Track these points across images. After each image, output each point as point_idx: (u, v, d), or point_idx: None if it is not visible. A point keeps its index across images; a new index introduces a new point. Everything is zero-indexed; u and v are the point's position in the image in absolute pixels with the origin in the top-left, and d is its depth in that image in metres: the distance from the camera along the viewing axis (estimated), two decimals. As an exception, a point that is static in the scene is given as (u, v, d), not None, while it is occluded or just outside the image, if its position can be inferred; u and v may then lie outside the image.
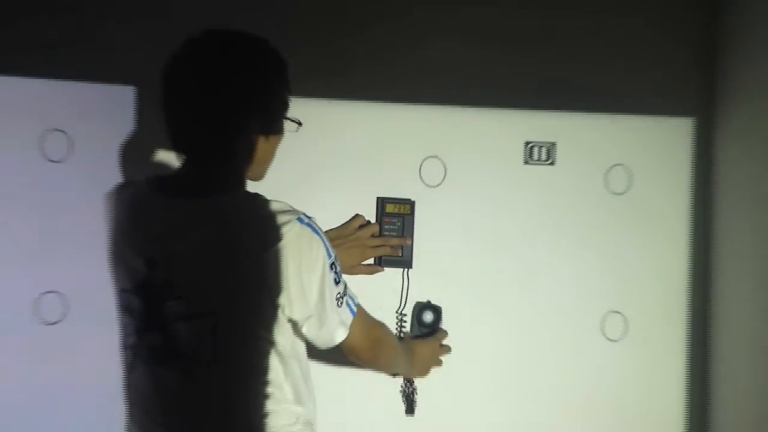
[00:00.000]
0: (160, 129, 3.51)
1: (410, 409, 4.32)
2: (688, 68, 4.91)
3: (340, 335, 3.52)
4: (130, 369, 3.49)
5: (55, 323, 4.47)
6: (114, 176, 4.24)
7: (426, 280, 4.47)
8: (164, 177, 3.58)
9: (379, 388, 4.44)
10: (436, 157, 4.69)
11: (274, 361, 3.42)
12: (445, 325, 4.40)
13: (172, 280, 3.36)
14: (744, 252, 4.69)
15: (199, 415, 3.41)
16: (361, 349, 3.67)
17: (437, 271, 4.57)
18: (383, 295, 4.34)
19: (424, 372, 4.27)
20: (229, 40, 3.49)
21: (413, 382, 4.34)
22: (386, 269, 4.35)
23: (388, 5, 4.75)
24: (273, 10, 4.46)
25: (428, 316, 4.26)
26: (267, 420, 3.42)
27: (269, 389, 3.42)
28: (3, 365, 4.45)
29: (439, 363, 4.28)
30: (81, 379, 4.34)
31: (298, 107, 3.70)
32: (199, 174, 3.46)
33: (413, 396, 4.32)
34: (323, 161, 4.59)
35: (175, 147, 3.50)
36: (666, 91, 4.88)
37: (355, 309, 3.57)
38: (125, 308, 3.48)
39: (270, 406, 3.43)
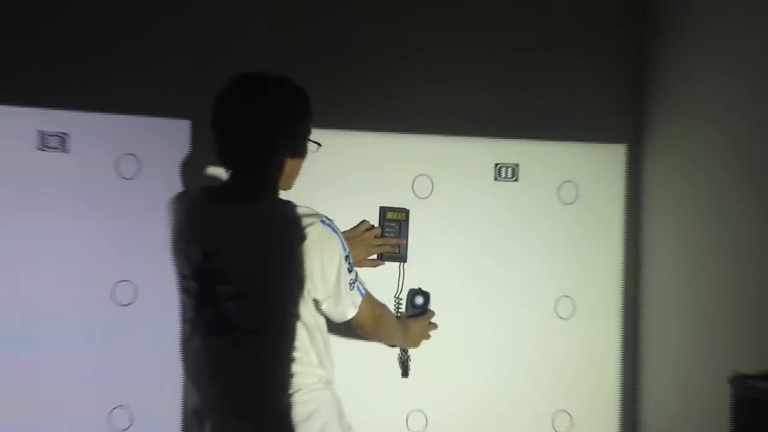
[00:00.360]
0: (209, 151, 3.81)
1: (405, 372, 4.38)
2: (622, 102, 5.22)
3: (351, 312, 3.77)
4: (189, 339, 3.73)
5: (127, 305, 4.73)
6: (173, 190, 4.19)
7: (418, 271, 4.64)
8: (214, 187, 3.84)
9: (380, 356, 4.57)
10: (425, 175, 5.00)
11: (301, 332, 3.67)
12: (432, 306, 4.54)
13: (222, 269, 3.63)
14: (665, 249, 5.08)
15: (243, 373, 3.64)
16: (367, 323, 3.88)
17: (427, 264, 4.79)
18: (384, 283, 4.44)
19: (416, 344, 4.39)
20: (263, 81, 3.76)
21: (407, 351, 4.43)
22: (386, 263, 4.48)
23: (387, 54, 5.00)
24: (301, 60, 4.62)
25: (419, 300, 4.30)
26: (295, 379, 3.64)
27: (298, 354, 3.65)
28: (88, 336, 4.67)
29: (427, 337, 4.41)
30: (147, 348, 4.52)
31: (316, 135, 3.95)
32: (241, 185, 3.73)
33: (408, 362, 4.38)
34: (337, 177, 4.84)
35: (222, 164, 3.76)
36: (605, 122, 5.19)
37: (363, 292, 3.82)
38: (185, 290, 3.74)
39: (298, 368, 3.65)
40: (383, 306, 4.08)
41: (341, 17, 5.02)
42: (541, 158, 5.12)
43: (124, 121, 4.76)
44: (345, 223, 4.54)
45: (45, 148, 4.70)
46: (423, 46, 5.07)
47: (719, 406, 3.37)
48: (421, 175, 5.02)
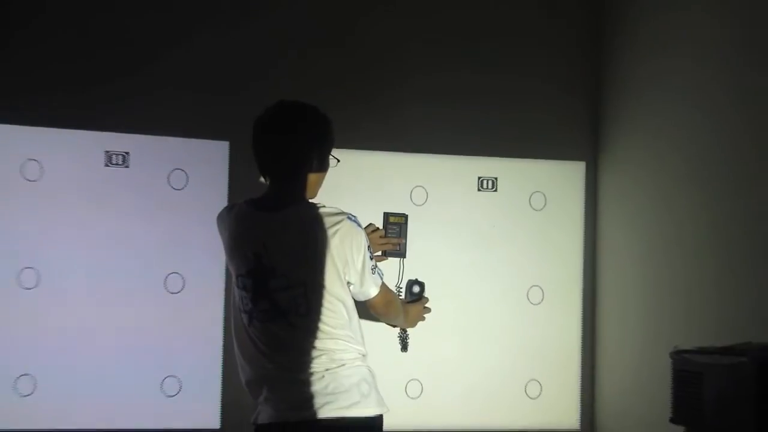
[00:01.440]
0: (242, 166, 3.97)
1: (404, 348, 4.32)
2: (582, 127, 5.21)
3: (374, 291, 3.70)
4: (248, 325, 3.64)
5: (177, 293, 4.68)
6: (214, 198, 4.48)
7: (415, 265, 4.48)
8: (256, 198, 3.77)
9: (383, 335, 4.38)
10: (421, 186, 5.00)
11: (342, 312, 3.62)
12: (426, 294, 4.37)
13: (273, 266, 3.59)
14: (618, 246, 5.08)
15: (297, 351, 3.57)
16: (380, 304, 3.80)
17: (422, 260, 4.69)
18: (387, 275, 4.04)
19: (413, 324, 4.29)
20: (296, 109, 3.73)
21: (406, 330, 4.35)
22: (389, 258, 4.34)
23: (387, 83, 4.96)
24: (319, 87, 4.51)
25: (416, 288, 4.29)
26: (339, 354, 3.58)
27: (341, 332, 3.59)
28: (146, 318, 4.65)
29: (423, 319, 4.31)
30: (192, 328, 4.49)
31: (350, 158, 3.90)
32: (279, 194, 3.67)
33: (406, 339, 4.33)
34: (348, 188, 4.79)
35: (263, 175, 3.73)
36: (568, 143, 5.18)
37: (382, 276, 3.79)
38: (242, 287, 3.67)
39: (341, 345, 3.58)
40: (393, 293, 4.01)
41: (351, 55, 4.99)
42: (516, 173, 5.16)
43: (174, 141, 4.77)
44: (362, 214, 4.40)
45: (110, 165, 4.69)
46: (415, 79, 5.05)
47: (664, 376, 3.34)
48: (418, 186, 5.03)
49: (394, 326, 4.27)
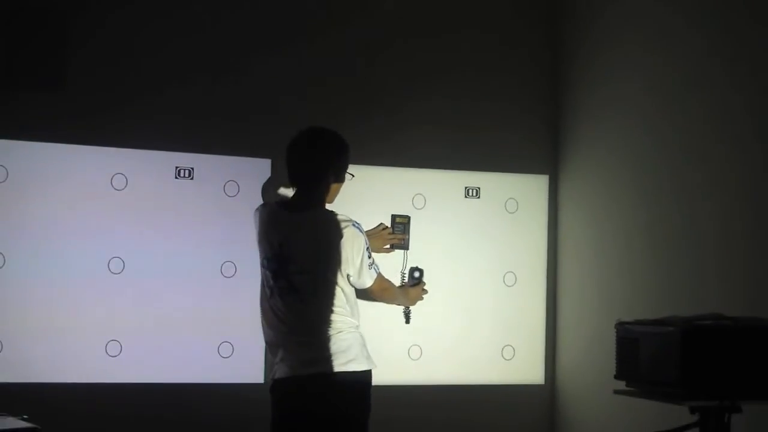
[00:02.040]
0: (281, 179, 3.86)
1: (407, 321, 4.30)
2: (545, 146, 5.25)
3: (368, 282, 3.77)
4: (270, 297, 3.71)
5: (230, 277, 4.73)
6: (259, 204, 4.05)
7: (416, 255, 4.34)
8: (284, 201, 3.88)
9: (392, 311, 4.30)
10: (420, 194, 5.05)
11: (340, 294, 3.69)
12: (424, 278, 4.17)
13: (291, 254, 3.68)
14: (574, 241, 5.12)
15: (307, 320, 3.66)
16: (375, 291, 3.87)
17: (422, 251, 4.58)
18: (394, 263, 4.23)
19: (413, 302, 4.20)
20: (320, 133, 3.81)
21: (409, 307, 4.37)
22: (395, 250, 4.25)
23: (392, 110, 5.01)
24: (340, 119, 4.30)
25: (416, 274, 4.19)
26: (337, 324, 3.65)
27: (339, 309, 3.67)
28: (205, 297, 4.70)
29: (422, 299, 4.21)
30: (243, 304, 4.42)
31: (363, 172, 3.89)
32: (302, 199, 3.77)
33: (409, 314, 4.30)
34: (362, 196, 4.78)
35: (291, 185, 3.83)
36: (534, 159, 5.23)
37: (377, 272, 3.84)
38: (267, 267, 3.75)
39: (339, 317, 3.66)
40: (389, 282, 4.01)
41: (363, 89, 5.03)
42: (494, 183, 5.18)
43: (229, 159, 4.81)
44: (368, 225, 4.32)
45: (179, 177, 4.73)
46: (413, 108, 5.08)
47: (609, 342, 3.31)
48: (418, 194, 5.07)
49: (399, 304, 4.28)
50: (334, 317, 3.71)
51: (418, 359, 5.00)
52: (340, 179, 3.88)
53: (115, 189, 4.62)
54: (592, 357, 4.81)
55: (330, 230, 3.73)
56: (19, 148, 4.52)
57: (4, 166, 4.50)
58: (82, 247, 4.57)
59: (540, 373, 5.19)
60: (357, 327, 3.81)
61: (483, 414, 5.07)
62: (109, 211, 4.61)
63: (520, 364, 5.14)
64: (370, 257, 3.81)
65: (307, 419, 3.72)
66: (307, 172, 3.79)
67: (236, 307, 4.55)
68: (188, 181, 4.73)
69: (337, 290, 3.72)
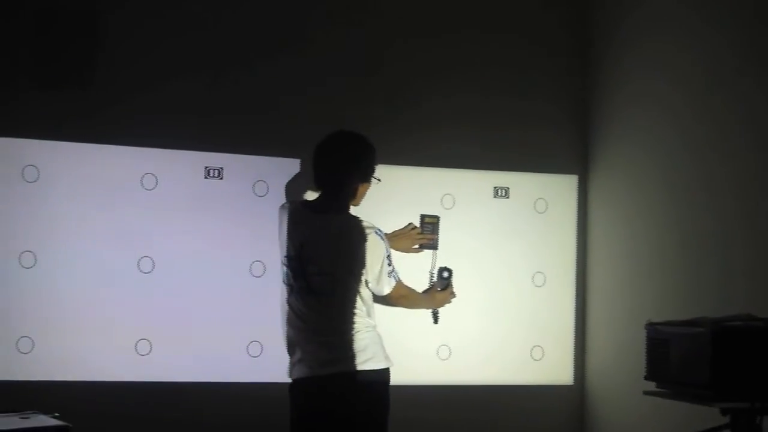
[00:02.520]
0: (308, 179, 3.94)
1: (436, 321, 4.31)
2: (574, 146, 5.24)
3: (386, 290, 3.85)
4: (289, 296, 3.82)
5: (259, 277, 4.73)
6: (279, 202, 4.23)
7: (445, 256, 4.39)
8: (309, 201, 3.99)
9: (419, 314, 4.31)
10: (449, 194, 5.03)
11: (358, 298, 3.77)
12: (454, 278, 4.23)
13: (312, 255, 3.76)
14: (604, 241, 5.11)
15: (325, 320, 3.75)
16: (393, 298, 3.92)
17: (451, 251, 4.57)
18: (422, 263, 4.32)
19: (440, 306, 4.26)
20: (347, 137, 3.89)
21: (437, 309, 4.27)
22: (424, 251, 4.33)
23: (423, 112, 5.00)
24: (371, 120, 4.52)
25: (445, 274, 4.21)
26: (355, 324, 3.74)
27: (356, 310, 3.75)
28: (234, 296, 4.71)
29: (449, 302, 4.27)
30: (271, 304, 4.11)
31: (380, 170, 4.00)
32: (327, 202, 3.84)
33: (437, 314, 4.29)
34: (393, 195, 4.81)
35: (316, 187, 3.89)
36: (564, 159, 5.22)
37: (396, 280, 3.89)
38: (287, 265, 3.84)
39: (357, 318, 3.75)
40: (408, 289, 4.06)
41: (397, 91, 5.03)
42: (523, 183, 5.16)
43: (258, 159, 4.80)
44: (396, 225, 4.42)
45: (209, 177, 4.73)
46: (444, 109, 5.07)
47: (639, 342, 3.35)
48: (447, 194, 5.05)
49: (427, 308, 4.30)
50: (351, 318, 3.76)
51: (446, 359, 4.98)
52: (367, 182, 3.93)
53: (145, 189, 4.63)
54: (622, 357, 4.79)
55: (352, 235, 3.78)
56: (50, 148, 4.54)
57: (35, 166, 4.51)
58: (112, 246, 4.57)
59: (569, 373, 5.17)
60: (374, 327, 3.87)
61: (512, 415, 5.05)
62: (139, 211, 4.61)
63: (549, 364, 5.12)
64: (390, 265, 3.86)
65: (327, 419, 3.77)
66: (333, 175, 3.85)
67: (265, 306, 4.48)
68: (218, 180, 4.73)
69: (355, 293, 3.78)
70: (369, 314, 3.85)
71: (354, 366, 3.73)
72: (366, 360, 3.76)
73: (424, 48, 5.07)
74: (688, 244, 4.37)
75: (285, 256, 3.87)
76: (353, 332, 3.75)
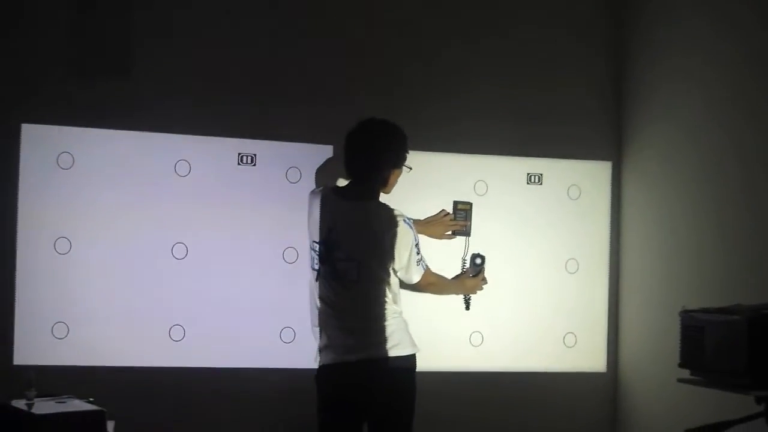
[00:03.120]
0: (339, 164, 3.99)
1: (467, 307, 4.32)
2: (609, 132, 5.20)
3: (415, 278, 3.94)
4: (316, 280, 3.88)
5: (292, 263, 4.71)
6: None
7: (478, 242, 4.53)
8: (339, 187, 4.00)
9: (451, 301, 4.52)
10: (482, 180, 5.01)
11: (384, 285, 3.83)
12: (486, 264, 4.35)
13: (339, 240, 3.81)
14: (637, 227, 5.08)
15: (349, 305, 3.81)
16: (421, 286, 4.02)
17: (484, 238, 4.72)
18: (455, 249, 4.44)
19: (471, 292, 4.37)
20: (379, 124, 3.92)
21: (469, 296, 4.39)
22: (457, 237, 4.44)
23: (457, 99, 4.99)
24: (405, 108, 4.63)
25: (477, 260, 4.24)
26: (382, 311, 3.80)
27: (382, 297, 3.82)
28: (268, 282, 4.71)
29: (481, 288, 4.37)
30: (305, 291, 4.10)
31: (416, 156, 4.07)
32: (358, 189, 3.89)
33: (469, 301, 4.31)
34: (427, 181, 4.83)
35: (348, 175, 3.94)
36: (598, 146, 5.19)
37: (425, 268, 3.97)
38: (315, 249, 3.89)
39: (383, 306, 3.82)
40: (436, 276, 4.16)
41: (430, 79, 5.01)
42: (557, 170, 5.14)
43: (291, 146, 4.80)
44: (431, 211, 4.55)
45: (242, 164, 4.74)
46: (478, 95, 5.06)
47: (673, 330, 3.31)
48: (480, 180, 5.03)
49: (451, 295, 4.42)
50: (376, 304, 3.83)
51: (479, 346, 4.97)
52: (398, 170, 3.97)
53: (179, 175, 4.65)
54: (656, 345, 4.78)
55: (381, 223, 3.84)
56: (84, 135, 4.56)
57: (70, 153, 4.54)
58: (146, 232, 4.60)
59: (602, 360, 5.15)
60: (400, 313, 3.92)
61: (544, 401, 5.06)
62: (173, 197, 4.64)
63: (582, 351, 5.11)
64: (418, 253, 3.93)
65: (354, 405, 3.83)
66: (365, 162, 3.89)
67: (298, 292, 4.45)
68: (251, 167, 4.73)
69: (381, 280, 3.84)
70: (395, 301, 3.90)
71: (380, 352, 3.79)
72: (393, 346, 3.81)
73: (459, 37, 5.06)
74: (724, 230, 4.35)
75: (313, 241, 3.91)
76: (379, 319, 3.79)
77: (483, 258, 4.35)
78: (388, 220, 3.84)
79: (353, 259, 3.79)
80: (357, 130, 3.91)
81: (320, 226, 3.88)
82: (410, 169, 4.03)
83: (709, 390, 3.11)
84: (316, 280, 3.89)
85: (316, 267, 3.89)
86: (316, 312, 3.93)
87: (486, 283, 4.38)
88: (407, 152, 3.99)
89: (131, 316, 4.58)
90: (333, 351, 3.83)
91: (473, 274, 4.36)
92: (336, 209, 3.85)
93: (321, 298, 3.88)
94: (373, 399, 3.81)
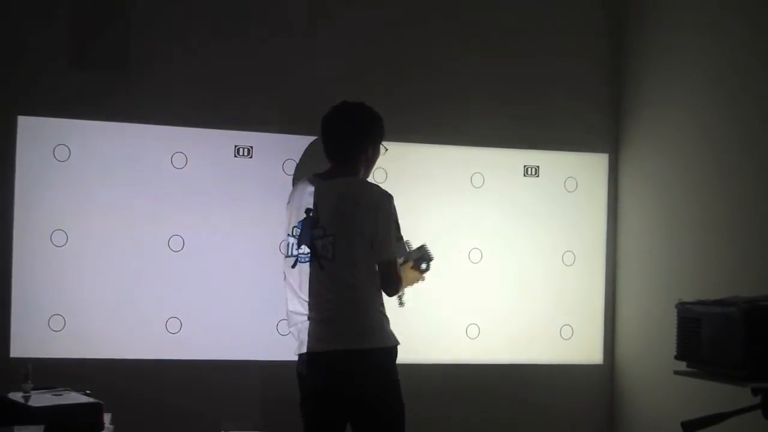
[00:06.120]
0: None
1: (401, 304, 3.98)
2: (606, 126, 5.19)
3: (385, 256, 3.78)
4: (293, 265, 3.84)
5: (289, 256, 4.48)
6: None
7: (475, 233, 4.61)
8: (319, 173, 3.95)
9: (449, 291, 4.61)
10: (479, 173, 5.00)
11: (362, 267, 3.72)
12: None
13: (317, 218, 3.78)
14: (633, 219, 5.08)
15: (327, 285, 3.72)
16: (388, 268, 3.79)
17: (481, 229, 4.81)
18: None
19: (410, 284, 4.06)
20: (352, 105, 3.96)
21: (403, 292, 4.01)
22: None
23: (452, 91, 4.97)
24: (400, 100, 4.69)
25: (424, 265, 4.12)
26: (363, 300, 3.72)
27: (363, 284, 3.71)
28: (261, 273, 4.65)
29: (416, 282, 4.15)
30: None
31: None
32: (335, 169, 3.89)
33: (402, 297, 3.97)
34: (420, 174, 4.85)
35: (328, 158, 3.94)
36: (595, 138, 5.18)
37: (400, 256, 3.91)
38: (292, 234, 3.87)
39: (363, 294, 3.71)
40: (401, 272, 3.96)
41: (425, 72, 4.99)
42: (554, 162, 5.13)
43: (287, 138, 4.79)
44: (428, 203, 4.63)
45: (238, 156, 4.74)
46: (473, 88, 5.04)
47: (670, 322, 3.34)
48: (476, 172, 5.02)
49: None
50: (356, 291, 3.73)
51: (475, 338, 4.97)
52: (375, 151, 3.99)
53: (176, 168, 4.64)
54: (652, 337, 4.78)
55: (359, 196, 3.79)
56: (81, 127, 4.56)
57: (66, 146, 4.54)
58: (143, 225, 4.60)
59: (599, 352, 5.15)
60: (382, 304, 3.82)
61: (541, 393, 5.05)
62: (170, 190, 4.63)
63: (578, 343, 5.11)
64: (398, 231, 3.83)
65: (334, 397, 3.74)
66: (341, 144, 3.90)
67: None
68: (247, 159, 4.73)
69: (359, 260, 3.74)
70: (376, 291, 3.81)
71: (363, 343, 3.70)
72: (373, 337, 3.73)
73: (454, 26, 5.04)
74: (721, 222, 4.35)
75: (292, 227, 3.89)
76: (360, 307, 3.72)
77: (430, 263, 4.19)
78: (367, 192, 3.81)
79: (330, 234, 3.74)
80: (331, 114, 3.94)
81: (299, 207, 3.86)
82: (386, 149, 4.05)
83: (706, 382, 3.10)
84: (292, 268, 3.85)
85: (293, 253, 3.85)
86: (292, 303, 3.88)
87: (423, 280, 4.22)
88: (382, 132, 4.01)
89: (128, 309, 4.57)
90: (311, 340, 3.77)
91: (415, 265, 4.17)
92: (316, 190, 3.84)
93: (299, 279, 3.81)
94: (352, 392, 3.73)
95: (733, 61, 4.32)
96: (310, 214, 3.80)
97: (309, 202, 3.82)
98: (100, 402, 3.29)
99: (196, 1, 4.75)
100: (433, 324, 4.83)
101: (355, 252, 3.73)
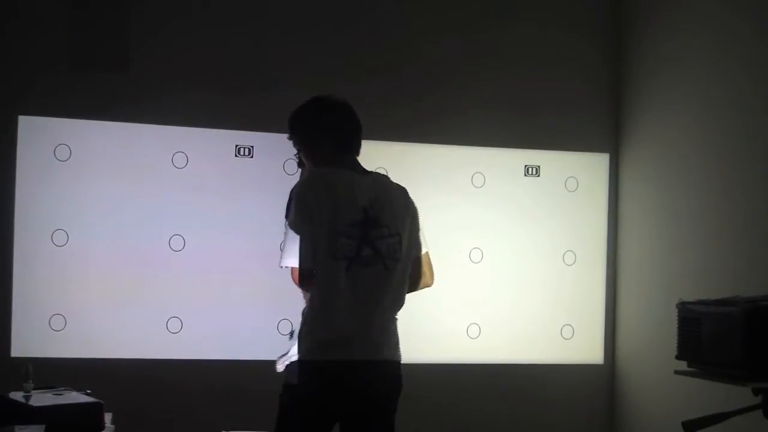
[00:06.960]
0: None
1: (292, 337, 3.64)
2: (606, 126, 5.20)
3: (421, 250, 3.42)
4: (347, 269, 3.25)
5: None
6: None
7: (475, 234, 4.64)
8: (338, 166, 3.41)
9: (450, 290, 4.55)
10: (480, 172, 5.01)
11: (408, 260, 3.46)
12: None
13: (377, 217, 3.28)
14: (634, 219, 5.09)
15: (389, 288, 3.28)
16: (422, 265, 3.44)
17: (482, 229, 4.83)
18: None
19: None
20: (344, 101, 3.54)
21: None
22: None
23: (454, 93, 4.98)
24: (404, 102, 4.72)
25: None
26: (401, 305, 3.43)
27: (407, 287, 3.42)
28: (263, 273, 4.61)
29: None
30: None
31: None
32: (356, 163, 3.42)
33: (294, 332, 3.53)
34: (422, 174, 4.84)
35: (340, 150, 3.43)
36: (595, 138, 5.19)
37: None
38: (347, 235, 3.27)
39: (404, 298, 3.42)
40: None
41: (428, 75, 4.99)
42: (554, 162, 5.15)
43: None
44: (429, 204, 4.35)
45: (239, 156, 4.75)
46: (475, 90, 5.04)
47: (670, 322, 3.31)
48: (477, 172, 5.03)
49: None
50: (404, 297, 3.42)
51: (476, 338, 4.98)
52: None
53: (176, 167, 4.66)
54: (653, 336, 4.79)
55: (400, 192, 3.47)
56: (82, 127, 4.57)
57: (67, 145, 4.56)
58: (144, 224, 4.62)
59: (599, 352, 5.17)
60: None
61: (542, 393, 5.06)
62: (170, 189, 4.65)
63: (579, 343, 5.12)
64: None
65: (381, 407, 3.41)
66: (360, 136, 3.46)
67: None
68: (248, 159, 4.75)
69: (408, 260, 3.42)
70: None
71: (399, 355, 3.40)
72: (398, 349, 3.43)
73: (456, 29, 5.05)
74: (721, 222, 4.36)
75: (346, 225, 3.30)
76: (395, 313, 3.41)
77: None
78: (404, 190, 3.49)
79: (395, 233, 3.36)
80: (337, 103, 3.51)
81: (350, 205, 3.31)
82: None
83: (706, 382, 3.09)
84: (347, 268, 3.27)
85: (350, 255, 3.28)
86: (339, 300, 3.30)
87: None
88: None
89: (128, 308, 4.59)
90: (358, 347, 3.33)
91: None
92: (361, 185, 3.36)
93: (355, 284, 3.27)
94: (386, 407, 3.43)
95: (733, 62, 4.32)
96: (368, 214, 3.32)
97: (360, 198, 3.33)
98: (101, 402, 3.29)
99: (196, 2, 4.76)
100: (434, 324, 4.83)
101: (413, 249, 3.45)
